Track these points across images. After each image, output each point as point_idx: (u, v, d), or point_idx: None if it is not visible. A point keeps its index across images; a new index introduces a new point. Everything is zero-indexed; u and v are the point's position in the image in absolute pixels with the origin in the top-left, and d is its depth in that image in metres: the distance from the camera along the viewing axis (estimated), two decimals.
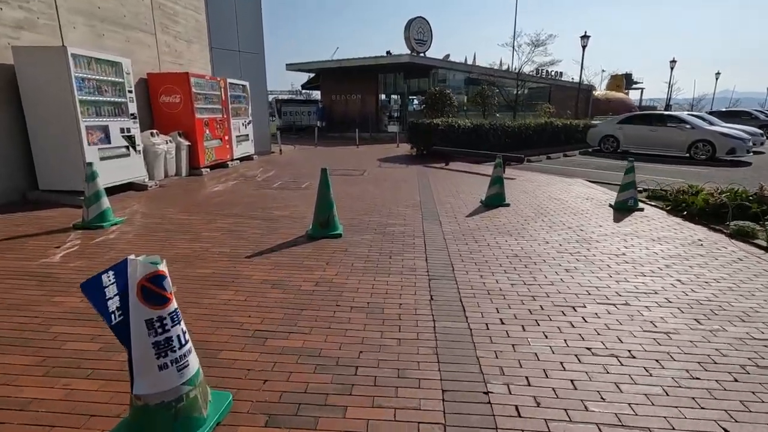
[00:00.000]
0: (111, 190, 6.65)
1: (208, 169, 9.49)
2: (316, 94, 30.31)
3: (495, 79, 17.70)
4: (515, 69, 21.55)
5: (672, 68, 32.28)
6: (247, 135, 11.67)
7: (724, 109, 28.03)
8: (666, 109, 35.12)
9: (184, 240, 4.53)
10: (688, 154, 13.89)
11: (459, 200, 6.91)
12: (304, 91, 35.37)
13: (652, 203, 6.70)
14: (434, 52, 22.44)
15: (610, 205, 6.50)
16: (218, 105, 10.00)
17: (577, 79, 29.58)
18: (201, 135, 9.15)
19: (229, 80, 10.53)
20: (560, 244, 4.54)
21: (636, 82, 60.14)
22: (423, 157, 12.88)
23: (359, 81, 24.35)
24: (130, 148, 6.93)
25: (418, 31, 22.76)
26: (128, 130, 6.88)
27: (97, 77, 6.27)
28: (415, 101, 24.47)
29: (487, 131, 13.40)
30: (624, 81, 49.66)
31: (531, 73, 21.76)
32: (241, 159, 11.44)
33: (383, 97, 25.20)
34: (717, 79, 38.21)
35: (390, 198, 6.98)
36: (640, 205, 6.41)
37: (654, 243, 4.64)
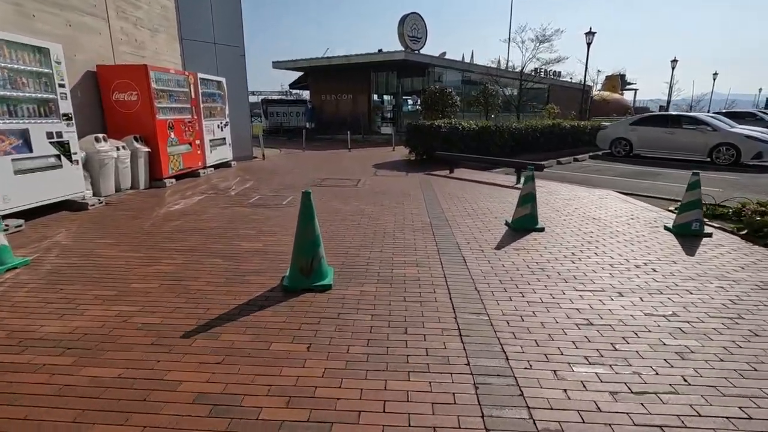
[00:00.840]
0: (34, 212, 5.19)
1: (173, 180, 8.03)
2: (309, 95, 28.84)
3: (496, 78, 16.38)
4: (516, 67, 20.32)
5: (673, 68, 31.50)
6: (224, 138, 10.22)
7: (725, 111, 27.20)
8: (665, 111, 34.28)
9: (99, 300, 3.10)
10: (708, 159, 12.77)
11: (477, 221, 5.58)
12: (294, 91, 33.89)
13: (716, 224, 5.43)
14: (430, 50, 21.21)
15: (667, 228, 5.21)
16: (187, 104, 8.55)
17: (576, 79, 28.62)
18: (164, 139, 7.70)
19: (200, 75, 9.07)
20: (641, 299, 3.21)
21: (630, 83, 59.65)
22: (423, 162, 11.55)
23: (351, 80, 22.97)
24: (63, 158, 5.46)
25: (412, 27, 21.47)
26: (59, 134, 5.41)
27: (10, 65, 4.80)
28: (410, 101, 23.16)
29: (492, 134, 12.11)
30: (619, 82, 48.98)
31: (531, 72, 20.52)
32: (217, 166, 9.98)
33: (375, 97, 23.85)
34: (714, 79, 37.64)
35: (392, 219, 5.61)
36: (706, 228, 5.13)
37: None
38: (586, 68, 19.48)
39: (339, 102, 23.94)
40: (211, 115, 9.63)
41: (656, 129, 14.02)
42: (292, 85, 27.93)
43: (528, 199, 5.16)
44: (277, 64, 23.56)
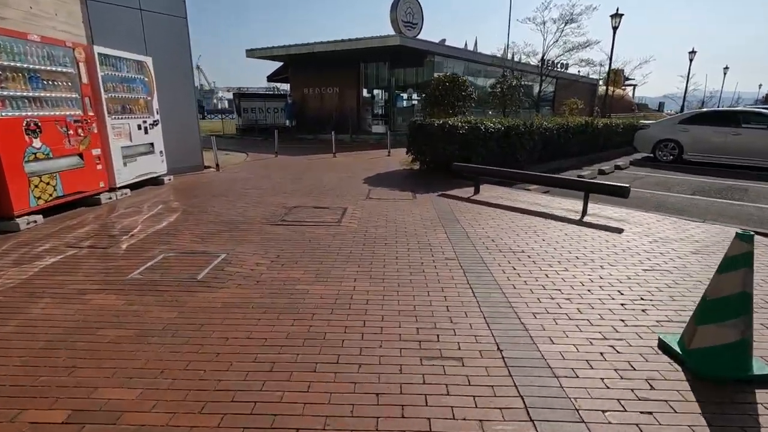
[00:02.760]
0: None
1: (40, 218, 4.93)
2: (289, 89, 25.56)
3: (511, 68, 13.20)
4: (533, 53, 17.35)
5: (691, 60, 29.01)
6: (151, 144, 7.13)
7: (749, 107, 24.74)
8: (682, 108, 31.84)
9: None
10: None
11: (591, 331, 2.63)
12: (284, 88, 30.49)
13: None
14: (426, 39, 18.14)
15: None
16: (71, 93, 5.45)
17: (583, 71, 25.88)
18: (14, 150, 4.61)
19: (100, 50, 5.98)
20: None
21: (628, 78, 57.41)
22: (431, 174, 8.60)
23: (337, 71, 19.90)
24: None
25: (406, 12, 18.48)
26: None
27: None
28: (404, 96, 20.14)
29: (521, 136, 9.23)
30: (622, 76, 46.61)
31: (551, 63, 17.34)
32: (138, 185, 6.90)
33: (365, 92, 20.80)
34: (725, 74, 35.43)
35: (411, 324, 2.64)
36: None
37: None
38: (611, 58, 16.79)
39: (324, 97, 20.85)
40: (125, 111, 6.54)
41: (716, 129, 11.28)
42: (271, 78, 24.72)
43: (735, 303, 2.21)
44: (251, 53, 20.36)
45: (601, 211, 5.81)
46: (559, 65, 19.72)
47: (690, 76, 29.63)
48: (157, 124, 7.27)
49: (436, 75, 10.56)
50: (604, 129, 12.99)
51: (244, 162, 10.87)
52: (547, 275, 3.53)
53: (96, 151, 5.79)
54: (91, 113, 5.70)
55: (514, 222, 5.22)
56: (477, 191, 6.93)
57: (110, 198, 6.02)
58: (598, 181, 5.83)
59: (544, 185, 6.86)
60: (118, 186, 6.28)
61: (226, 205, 5.92)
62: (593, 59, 21.89)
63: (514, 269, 3.66)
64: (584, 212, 5.65)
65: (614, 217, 5.50)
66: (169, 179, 7.62)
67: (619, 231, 4.86)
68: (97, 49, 5.84)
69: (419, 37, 18.28)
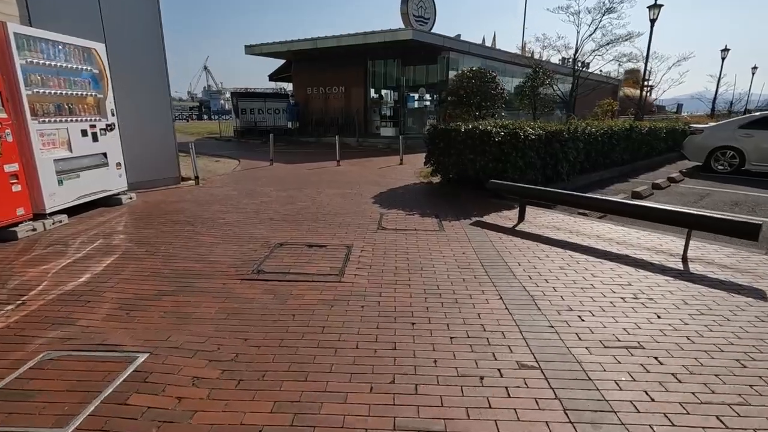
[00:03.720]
0: None
1: None
2: (292, 88, 23.96)
3: (538, 66, 11.41)
4: (563, 48, 15.56)
5: (723, 58, 27.04)
6: (103, 155, 5.60)
7: None
8: (712, 110, 29.89)
9: None
10: None
11: None
12: (286, 88, 28.94)
13: None
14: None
15: None
16: None
17: (601, 70, 24.05)
18: None
19: (22, 30, 4.45)
20: None
21: (644, 79, 55.29)
22: (455, 190, 6.99)
23: (343, 69, 18.37)
24: None
25: (418, 5, 16.92)
26: None
27: None
28: (417, 96, 18.51)
29: (564, 143, 7.60)
30: (640, 76, 44.59)
31: (580, 63, 15.39)
32: (85, 206, 5.36)
33: (372, 92, 19.23)
34: (753, 74, 33.36)
35: None
36: None
37: None
38: (648, 55, 15.12)
39: (329, 97, 19.32)
40: (62, 112, 5.00)
41: None
42: (273, 77, 23.22)
43: None
44: (250, 50, 18.86)
45: (703, 253, 4.16)
46: (581, 63, 17.93)
47: (721, 75, 27.64)
48: (112, 129, 5.72)
49: (459, 71, 8.82)
50: (649, 134, 11.29)
51: (233, 171, 9.32)
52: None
53: (11, 167, 4.24)
54: (2, 115, 4.16)
55: (596, 275, 3.59)
56: (522, 218, 5.29)
57: (33, 229, 4.47)
58: (710, 214, 4.20)
59: (632, 217, 5.10)
60: (48, 212, 4.73)
61: (187, 241, 4.35)
62: (634, 53, 19.63)
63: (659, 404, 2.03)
64: (685, 257, 4.01)
65: (729, 264, 3.85)
66: (130, 198, 6.07)
67: (762, 295, 3.22)
68: (14, 28, 4.29)
69: (433, 31, 16.68)
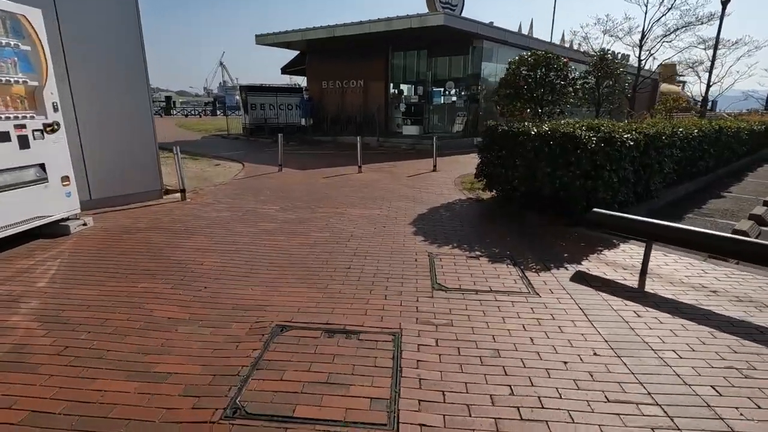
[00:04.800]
0: None
1: None
2: (306, 83, 22.13)
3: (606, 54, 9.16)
4: (633, 28, 13.28)
5: None
6: (39, 167, 3.97)
7: None
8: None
9: None
10: None
11: None
12: (301, 83, 27.16)
13: None
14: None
15: None
16: None
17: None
18: None
19: None
20: None
21: (679, 75, 52.18)
22: (516, 214, 5.20)
23: (362, 61, 16.66)
24: None
25: None
26: None
27: None
28: (447, 91, 16.60)
29: (661, 150, 5.76)
30: (675, 71, 41.64)
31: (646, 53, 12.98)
32: (5, 241, 3.74)
33: (391, 86, 17.44)
34: None
35: None
36: None
37: None
38: (717, 41, 13.03)
39: (346, 91, 17.61)
40: None
41: None
42: (286, 69, 21.58)
43: None
44: (261, 39, 17.25)
45: None
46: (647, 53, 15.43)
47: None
48: (54, 130, 4.09)
49: (497, 63, 6.81)
50: (751, 135, 9.31)
51: (232, 180, 7.67)
52: None
53: None
54: None
55: None
56: (645, 269, 3.49)
57: None
58: None
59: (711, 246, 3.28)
60: None
61: (133, 317, 2.69)
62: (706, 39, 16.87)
63: None
64: None
65: None
66: (83, 224, 4.45)
67: None
68: None
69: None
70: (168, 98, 49.94)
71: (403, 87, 18.03)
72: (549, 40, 19.29)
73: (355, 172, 8.54)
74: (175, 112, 42.61)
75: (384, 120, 16.52)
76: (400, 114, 17.34)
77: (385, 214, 5.30)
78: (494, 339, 2.50)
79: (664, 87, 37.96)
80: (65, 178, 4.24)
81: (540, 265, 3.67)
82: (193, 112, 43.64)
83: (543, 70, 6.44)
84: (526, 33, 18.42)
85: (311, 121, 17.49)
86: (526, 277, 3.40)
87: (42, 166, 4.00)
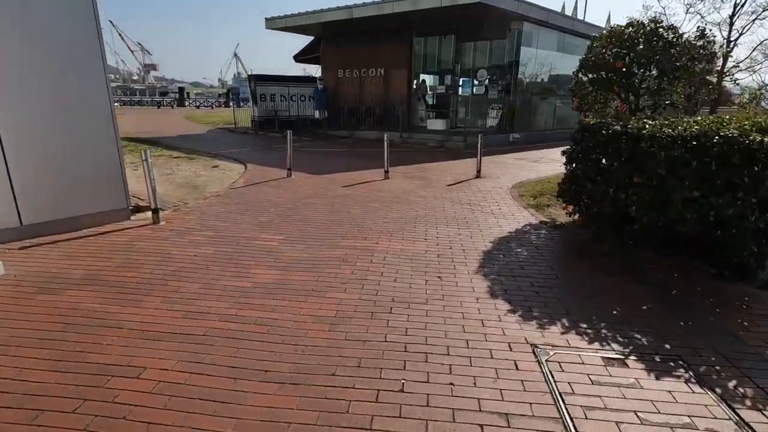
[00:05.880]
0: None
1: None
2: (320, 72, 20.39)
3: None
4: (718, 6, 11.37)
5: None
6: None
7: None
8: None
9: None
10: None
11: None
12: (312, 72, 25.51)
13: None
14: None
15: None
16: None
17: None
18: None
19: None
20: None
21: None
22: (627, 255, 3.52)
23: (383, 47, 14.93)
24: None
25: None
26: None
27: None
28: (480, 79, 14.73)
29: None
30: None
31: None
32: None
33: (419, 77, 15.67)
34: None
35: None
36: None
37: None
38: None
39: (364, 81, 15.91)
40: None
41: None
42: (299, 57, 19.92)
43: None
44: (271, 23, 15.63)
45: None
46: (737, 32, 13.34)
47: None
48: None
49: (615, 25, 4.80)
50: None
51: (227, 190, 6.11)
52: None
53: None
54: None
55: None
56: None
57: None
58: None
59: None
60: None
61: None
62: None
63: None
64: None
65: None
66: None
67: None
68: None
69: None
70: (181, 89, 49.46)
71: (427, 77, 16.26)
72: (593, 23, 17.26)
73: (380, 177, 6.93)
74: (188, 103, 42.37)
75: (407, 113, 14.83)
76: (424, 106, 15.61)
77: (434, 251, 3.68)
78: None
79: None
80: None
81: (731, 372, 2.02)
82: (205, 104, 42.76)
83: (646, 46, 4.67)
84: (570, 13, 16.39)
85: (326, 114, 15.87)
86: (745, 422, 1.76)
87: None
